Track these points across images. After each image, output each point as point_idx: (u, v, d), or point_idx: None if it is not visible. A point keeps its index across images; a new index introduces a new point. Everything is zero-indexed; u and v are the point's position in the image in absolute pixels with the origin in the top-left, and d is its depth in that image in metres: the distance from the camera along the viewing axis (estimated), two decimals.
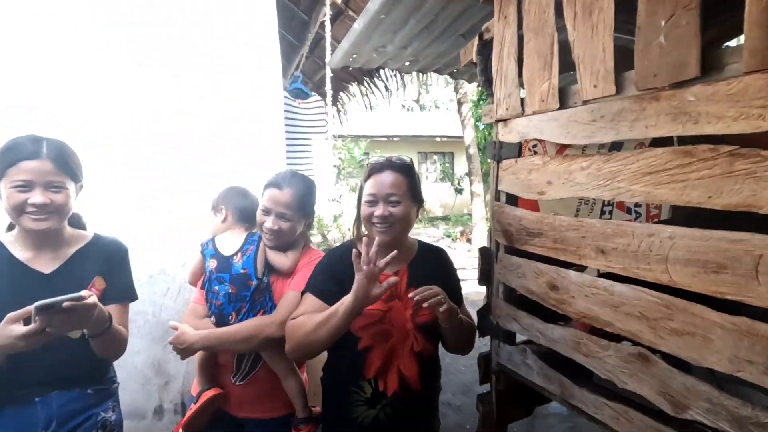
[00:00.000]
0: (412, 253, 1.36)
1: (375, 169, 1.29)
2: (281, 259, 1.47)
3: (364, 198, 1.29)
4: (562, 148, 1.23)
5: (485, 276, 1.47)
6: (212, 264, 1.44)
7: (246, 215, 1.56)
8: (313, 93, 2.42)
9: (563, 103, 1.10)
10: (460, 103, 9.02)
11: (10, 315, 0.96)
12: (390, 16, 1.52)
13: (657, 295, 0.90)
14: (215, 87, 1.84)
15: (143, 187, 1.96)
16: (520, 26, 1.19)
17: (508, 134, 1.31)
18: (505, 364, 1.39)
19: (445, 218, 13.50)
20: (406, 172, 1.29)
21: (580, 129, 1.05)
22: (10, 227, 1.25)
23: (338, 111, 4.56)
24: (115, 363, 1.44)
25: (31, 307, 0.94)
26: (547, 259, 1.22)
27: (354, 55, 1.71)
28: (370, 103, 4.38)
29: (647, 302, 0.92)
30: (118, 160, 1.77)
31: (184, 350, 1.36)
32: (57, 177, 1.12)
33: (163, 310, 1.99)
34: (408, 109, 17.72)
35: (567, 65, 1.08)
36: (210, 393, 1.42)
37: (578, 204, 1.42)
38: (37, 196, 1.08)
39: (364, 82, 3.73)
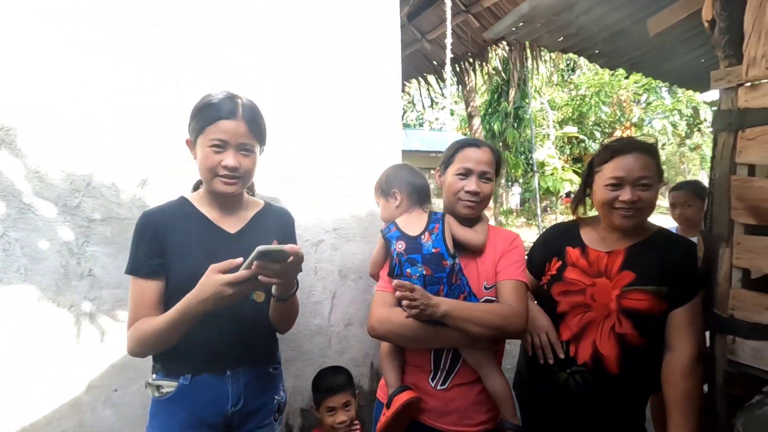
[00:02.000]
0: (638, 237, 1.31)
1: (618, 151, 1.26)
2: (470, 234, 1.32)
3: (606, 181, 1.26)
4: None
5: (707, 263, 1.30)
6: (400, 246, 1.27)
7: (422, 195, 1.39)
8: None
9: None
10: (470, 116, 9.13)
11: (214, 266, 0.97)
12: None
13: None
14: (216, 87, 1.74)
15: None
16: None
17: (761, 99, 1.16)
18: (749, 363, 1.20)
19: None
20: (652, 153, 1.26)
21: None
22: (196, 187, 1.30)
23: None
24: None
25: (236, 261, 0.96)
26: None
27: (519, 24, 1.56)
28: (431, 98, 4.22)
29: None
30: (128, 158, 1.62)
31: (424, 312, 1.13)
32: (248, 139, 1.11)
33: None
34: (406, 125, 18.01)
35: None
36: (405, 396, 1.23)
37: None
38: (229, 159, 1.08)
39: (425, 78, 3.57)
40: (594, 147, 13.34)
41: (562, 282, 1.35)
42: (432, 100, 4.20)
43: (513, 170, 11.79)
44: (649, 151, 1.24)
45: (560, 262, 1.38)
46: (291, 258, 0.96)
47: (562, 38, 1.77)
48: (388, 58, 2.00)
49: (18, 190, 1.37)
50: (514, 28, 1.59)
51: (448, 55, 2.00)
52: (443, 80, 3.46)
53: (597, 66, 2.34)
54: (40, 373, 1.42)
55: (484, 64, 2.85)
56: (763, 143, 1.16)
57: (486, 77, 2.95)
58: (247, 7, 1.74)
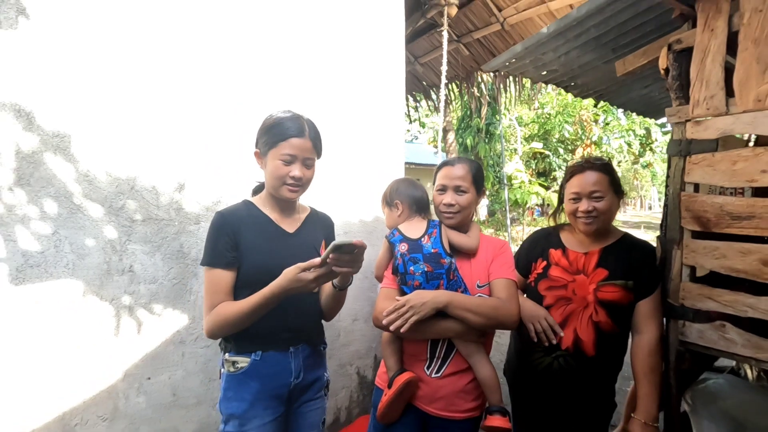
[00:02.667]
0: (609, 240, 1.57)
1: (576, 170, 1.54)
2: (464, 239, 1.52)
3: (570, 196, 1.54)
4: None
5: (663, 262, 1.60)
6: (403, 247, 1.46)
7: (421, 205, 1.63)
8: None
9: None
10: (445, 131, 9.53)
11: (300, 264, 1.15)
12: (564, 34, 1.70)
13: None
14: (246, 100, 1.95)
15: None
16: (729, 35, 1.39)
17: (702, 132, 1.48)
18: (695, 342, 1.51)
19: None
20: (606, 170, 1.52)
21: None
22: (256, 191, 1.46)
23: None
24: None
25: (316, 260, 1.13)
26: (745, 240, 1.38)
27: (512, 59, 1.86)
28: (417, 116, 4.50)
29: None
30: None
31: (418, 313, 1.30)
32: (311, 154, 1.32)
33: None
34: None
35: None
36: (405, 377, 1.39)
37: None
38: (296, 170, 1.27)
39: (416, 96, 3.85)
40: (558, 162, 14.14)
41: (547, 279, 1.59)
42: (409, 117, 4.51)
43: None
44: (601, 168, 1.50)
45: (545, 262, 1.63)
46: (356, 250, 1.12)
47: (545, 72, 2.08)
48: (394, 82, 2.26)
49: (69, 192, 1.50)
50: (507, 63, 1.88)
51: (443, 80, 2.27)
52: (431, 99, 3.79)
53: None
54: (82, 361, 1.53)
55: (470, 86, 3.20)
56: (705, 167, 1.48)
57: (472, 99, 3.29)
58: (272, 34, 1.94)
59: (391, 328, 1.30)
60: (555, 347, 1.54)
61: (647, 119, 13.38)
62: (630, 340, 1.54)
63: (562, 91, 2.43)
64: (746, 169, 1.37)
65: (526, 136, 14.50)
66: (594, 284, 1.51)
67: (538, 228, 1.90)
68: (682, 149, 1.54)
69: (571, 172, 1.55)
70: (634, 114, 2.89)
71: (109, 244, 1.58)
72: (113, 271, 1.59)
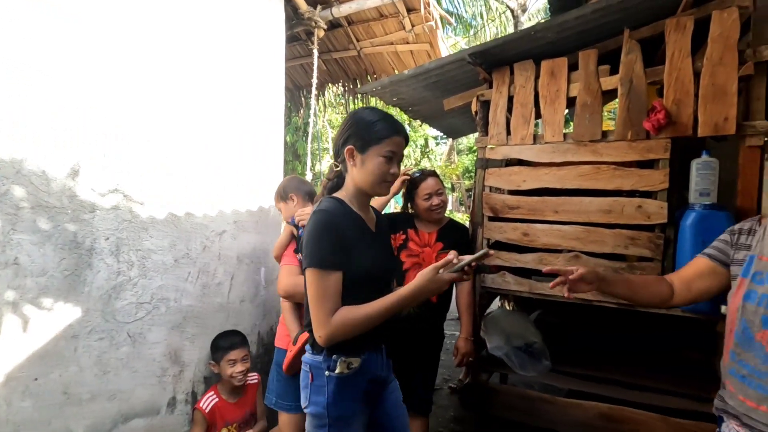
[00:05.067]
0: (442, 223, 2.30)
1: (425, 177, 2.22)
2: None
3: (423, 195, 2.19)
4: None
5: (473, 236, 2.47)
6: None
7: (311, 195, 2.09)
8: None
9: (534, 141, 2.25)
10: None
11: (436, 265, 1.17)
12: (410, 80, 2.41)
13: (582, 228, 2.13)
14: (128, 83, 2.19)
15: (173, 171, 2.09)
16: (509, 97, 2.31)
17: (495, 154, 2.38)
18: (490, 285, 2.41)
19: None
20: (437, 175, 2.27)
21: (544, 155, 2.22)
22: (332, 189, 1.37)
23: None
24: (134, 357, 1.85)
25: (450, 257, 1.16)
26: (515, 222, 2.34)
27: (378, 87, 2.45)
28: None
29: (578, 232, 2.13)
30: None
31: None
32: (403, 151, 1.34)
33: (184, 295, 2.06)
34: None
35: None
36: (306, 335, 1.75)
37: None
38: (395, 167, 1.29)
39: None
40: None
41: (407, 249, 2.24)
42: None
43: None
44: (435, 174, 2.24)
45: (404, 237, 2.28)
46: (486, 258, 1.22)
47: (395, 99, 2.75)
48: (275, 93, 2.53)
49: None
50: (374, 89, 2.43)
51: (314, 88, 2.65)
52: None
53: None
54: None
55: (321, 94, 3.65)
56: (495, 176, 2.38)
57: (322, 106, 3.73)
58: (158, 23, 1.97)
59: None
60: None
61: (427, 132, 16.56)
62: (455, 289, 2.33)
63: (372, 104, 3.20)
64: (516, 179, 2.31)
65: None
66: (435, 253, 2.23)
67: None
68: (483, 164, 2.42)
69: (419, 180, 2.21)
70: (418, 126, 3.90)
71: None
72: None
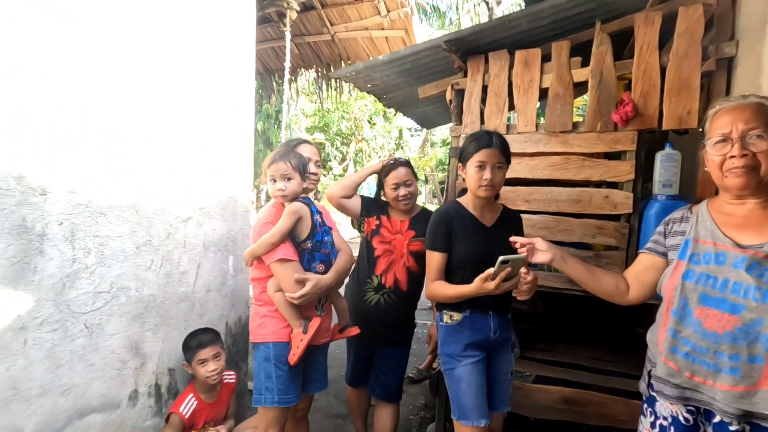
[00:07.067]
0: (414, 212, 2.28)
1: (393, 166, 2.19)
2: None
3: (390, 186, 2.17)
4: None
5: None
6: (319, 218, 1.82)
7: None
8: None
9: (508, 131, 2.26)
10: None
11: (481, 276, 1.46)
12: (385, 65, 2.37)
13: (551, 217, 2.16)
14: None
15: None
16: (483, 86, 2.30)
17: None
18: None
19: None
20: (408, 164, 2.24)
21: (517, 146, 2.23)
22: (461, 193, 1.79)
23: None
24: (90, 350, 1.75)
25: (489, 271, 1.43)
26: None
27: (352, 72, 2.40)
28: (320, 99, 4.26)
29: (548, 221, 2.17)
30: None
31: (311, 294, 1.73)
32: (500, 160, 1.63)
33: (146, 284, 1.95)
34: None
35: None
36: (318, 320, 1.76)
37: None
38: (487, 173, 1.60)
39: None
40: (334, 153, 15.74)
41: (379, 235, 2.21)
42: None
43: None
44: (406, 164, 2.21)
45: (378, 222, 2.24)
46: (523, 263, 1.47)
47: (370, 85, 2.70)
48: (245, 61, 2.41)
49: None
50: (348, 74, 2.38)
51: (287, 72, 2.56)
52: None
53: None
54: None
55: (294, 80, 3.54)
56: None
57: (295, 93, 3.62)
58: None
59: None
60: (381, 286, 2.17)
61: (402, 124, 16.55)
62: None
63: (346, 91, 3.15)
64: None
65: (309, 126, 15.50)
66: (407, 240, 2.20)
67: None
68: (456, 153, 2.42)
69: (389, 168, 2.18)
70: (392, 117, 3.89)
71: None
72: None
